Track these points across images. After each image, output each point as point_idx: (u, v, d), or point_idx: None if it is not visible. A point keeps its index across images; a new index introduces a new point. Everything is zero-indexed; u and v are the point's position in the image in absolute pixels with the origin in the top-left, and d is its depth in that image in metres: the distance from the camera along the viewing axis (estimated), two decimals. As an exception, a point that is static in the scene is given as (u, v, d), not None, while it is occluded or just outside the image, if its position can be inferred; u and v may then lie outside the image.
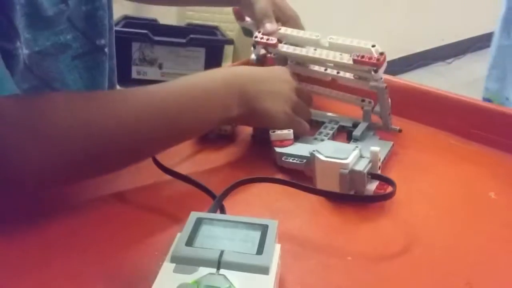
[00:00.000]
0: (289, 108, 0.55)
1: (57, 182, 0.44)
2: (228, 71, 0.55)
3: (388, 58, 0.55)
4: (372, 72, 0.54)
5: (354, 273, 0.39)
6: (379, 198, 0.48)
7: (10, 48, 0.43)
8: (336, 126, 0.60)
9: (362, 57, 0.54)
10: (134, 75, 1.31)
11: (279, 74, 0.58)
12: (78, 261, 0.39)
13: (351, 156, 0.47)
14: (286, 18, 0.65)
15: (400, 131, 0.59)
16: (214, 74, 0.54)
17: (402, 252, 0.42)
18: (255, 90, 0.53)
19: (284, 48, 0.61)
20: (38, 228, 0.43)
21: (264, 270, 0.32)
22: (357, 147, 0.49)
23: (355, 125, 0.59)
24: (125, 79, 1.30)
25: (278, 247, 0.35)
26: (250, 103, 0.53)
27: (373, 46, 0.54)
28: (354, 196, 0.48)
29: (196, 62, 1.31)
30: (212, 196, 0.44)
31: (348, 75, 0.60)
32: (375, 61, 0.53)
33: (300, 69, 0.63)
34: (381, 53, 0.54)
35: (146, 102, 0.47)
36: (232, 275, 0.32)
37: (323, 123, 0.61)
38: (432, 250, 0.42)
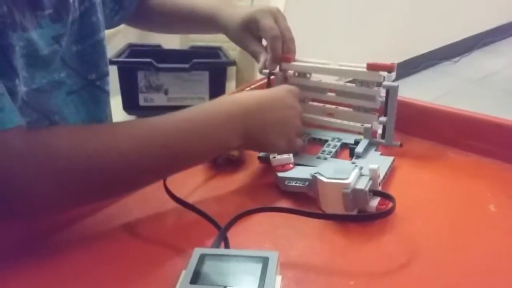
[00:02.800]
0: (291, 135, 0.57)
1: (61, 209, 0.48)
2: (232, 102, 0.54)
3: (394, 61, 0.59)
4: (386, 73, 0.58)
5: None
6: (380, 216, 0.48)
7: (9, 85, 0.46)
8: (338, 144, 0.61)
9: (375, 64, 0.59)
10: (141, 102, 1.33)
11: (284, 98, 0.57)
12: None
13: (352, 175, 0.48)
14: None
15: (401, 145, 0.59)
16: (218, 106, 0.54)
17: (405, 269, 0.42)
18: (259, 120, 0.54)
19: (297, 62, 0.65)
20: (42, 262, 0.44)
21: (266, 305, 0.33)
22: (356, 166, 0.50)
23: (357, 142, 0.60)
24: (133, 106, 1.32)
25: (279, 278, 0.36)
26: (253, 135, 0.54)
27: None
28: (355, 216, 0.49)
29: (201, 85, 1.33)
30: (217, 227, 0.46)
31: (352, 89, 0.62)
32: (388, 64, 0.58)
33: (302, 80, 0.66)
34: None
35: (148, 135, 0.49)
36: (235, 311, 0.33)
37: (326, 141, 0.62)
38: (433, 265, 0.42)
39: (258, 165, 0.61)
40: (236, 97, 0.56)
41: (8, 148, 0.42)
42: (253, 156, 0.61)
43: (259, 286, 0.34)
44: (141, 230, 0.50)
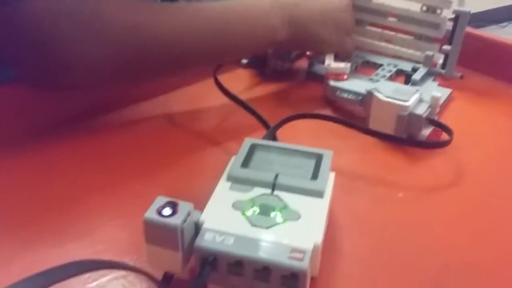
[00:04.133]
0: (342, 31, 0.54)
1: (105, 79, 0.45)
2: None
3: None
4: None
5: (405, 207, 0.39)
6: (435, 145, 0.46)
7: None
8: (394, 69, 0.58)
9: None
10: None
11: None
12: (128, 177, 0.40)
13: (412, 98, 0.46)
14: None
15: (461, 77, 0.56)
16: None
17: (454, 190, 0.41)
18: (308, 10, 0.52)
19: None
20: (89, 144, 0.45)
21: (319, 194, 0.32)
22: (417, 90, 0.47)
23: (415, 70, 0.57)
24: None
25: (332, 175, 0.35)
26: (301, 26, 0.51)
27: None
28: (411, 141, 0.46)
29: None
30: (266, 125, 0.44)
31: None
32: None
33: (363, 1, 0.62)
34: None
35: (197, 15, 0.47)
36: (287, 197, 0.32)
37: (381, 65, 0.60)
38: (482, 189, 0.41)
39: (305, 81, 0.59)
40: None
41: (57, 2, 0.40)
42: (302, 71, 0.60)
43: (312, 177, 0.33)
44: (184, 122, 0.49)
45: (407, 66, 0.59)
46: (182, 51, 0.46)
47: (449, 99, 0.54)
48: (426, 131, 0.47)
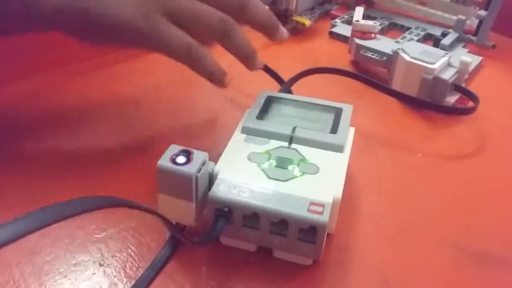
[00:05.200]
0: (156, 11, 0.31)
1: None
2: None
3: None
4: None
5: (424, 170, 0.37)
6: (459, 111, 0.44)
7: None
8: (422, 33, 0.55)
9: None
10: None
11: None
12: (139, 128, 0.39)
13: (440, 62, 0.43)
14: None
15: (493, 47, 0.53)
16: None
17: (475, 155, 0.39)
18: None
19: None
20: (102, 94, 0.43)
21: (339, 148, 0.30)
22: (447, 53, 0.45)
23: (444, 35, 0.54)
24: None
25: (352, 129, 0.33)
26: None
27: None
28: (434, 104, 0.44)
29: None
30: (280, 81, 0.42)
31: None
32: None
33: None
34: None
35: None
36: (305, 150, 0.30)
37: (408, 28, 0.57)
38: (508, 162, 0.39)
39: (327, 41, 0.56)
40: None
41: None
42: (324, 31, 0.57)
43: (331, 131, 0.32)
44: (196, 77, 0.47)
45: (436, 31, 0.56)
46: None
47: (478, 68, 0.52)
48: (451, 99, 0.45)
